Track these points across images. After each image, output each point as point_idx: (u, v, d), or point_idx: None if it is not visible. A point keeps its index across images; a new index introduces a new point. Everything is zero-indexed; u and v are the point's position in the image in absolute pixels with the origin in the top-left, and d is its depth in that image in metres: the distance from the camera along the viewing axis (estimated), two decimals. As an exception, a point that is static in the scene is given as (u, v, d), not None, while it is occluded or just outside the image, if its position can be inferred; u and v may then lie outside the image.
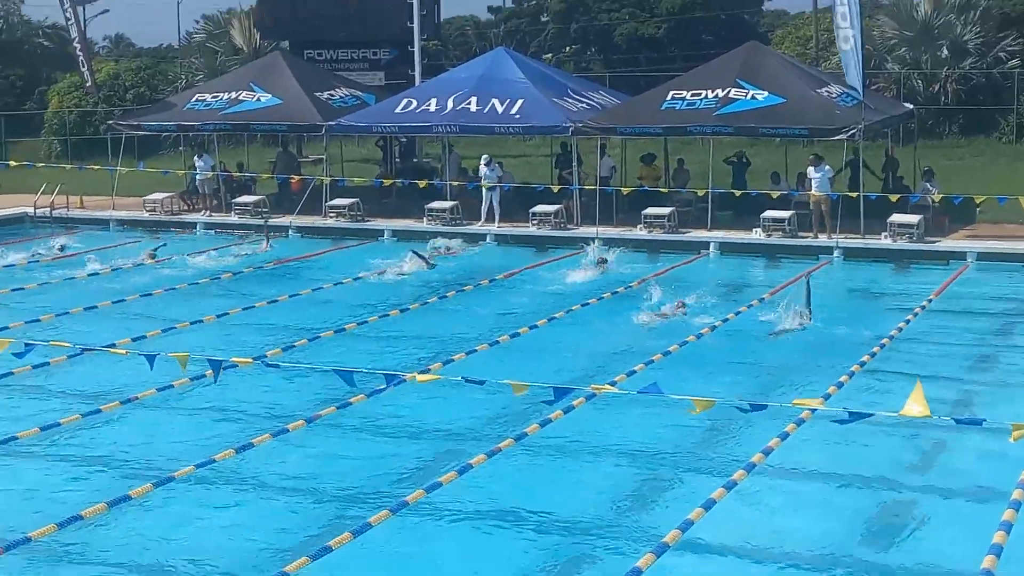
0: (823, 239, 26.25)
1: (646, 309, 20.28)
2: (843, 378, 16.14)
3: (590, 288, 22.89)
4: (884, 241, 25.63)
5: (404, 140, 35.06)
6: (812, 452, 13.55)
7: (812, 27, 47.59)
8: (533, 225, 28.54)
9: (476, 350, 18.03)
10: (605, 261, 24.60)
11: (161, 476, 12.84)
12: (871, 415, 11.01)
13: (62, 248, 27.83)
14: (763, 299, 21.46)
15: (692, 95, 28.19)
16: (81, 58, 37.75)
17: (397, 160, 35.29)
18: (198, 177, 32.55)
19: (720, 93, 27.81)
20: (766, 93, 27.49)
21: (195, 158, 32.95)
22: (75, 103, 49.42)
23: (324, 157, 32.84)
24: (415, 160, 35.85)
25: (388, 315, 20.76)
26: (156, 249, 27.19)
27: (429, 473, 13.03)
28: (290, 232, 30.07)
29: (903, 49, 44.20)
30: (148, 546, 11.37)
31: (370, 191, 31.79)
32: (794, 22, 54.41)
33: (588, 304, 21.40)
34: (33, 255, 26.87)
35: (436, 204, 29.64)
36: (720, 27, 55.30)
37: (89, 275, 24.60)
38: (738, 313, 20.43)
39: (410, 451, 14.05)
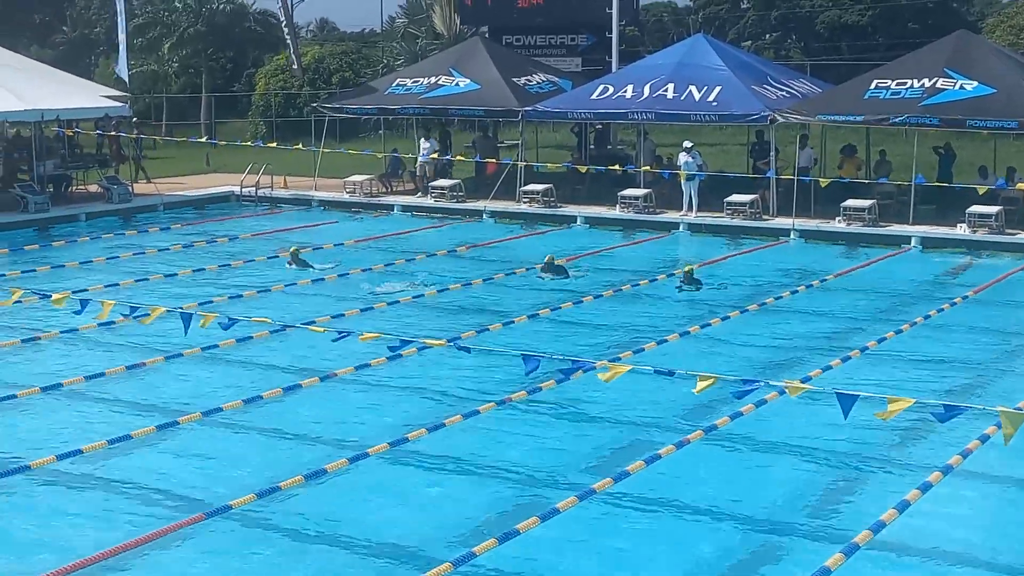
0: (1033, 236, 25.36)
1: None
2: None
3: (784, 281, 22.65)
4: (1098, 240, 24.60)
5: (599, 126, 35.04)
6: (1014, 456, 13.07)
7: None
8: (727, 215, 28.21)
9: (667, 340, 17.96)
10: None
11: (356, 452, 13.17)
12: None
13: None
14: (966, 297, 20.89)
15: (897, 84, 27.47)
16: (289, 41, 38.80)
17: (591, 147, 35.32)
18: (420, 159, 33.30)
19: (927, 83, 27.01)
20: (975, 83, 26.58)
21: (420, 140, 33.76)
22: (280, 85, 50.89)
23: (520, 142, 33.10)
24: (609, 147, 35.81)
25: (582, 301, 20.82)
26: None
27: (617, 461, 13.03)
28: (484, 216, 30.42)
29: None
30: (340, 519, 11.67)
31: (564, 177, 31.91)
32: (1007, 10, 52.36)
33: (781, 297, 21.15)
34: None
35: (629, 191, 29.56)
36: (927, 15, 53.55)
37: (270, 258, 25.36)
38: (940, 310, 19.91)
39: (598, 438, 14.09)
